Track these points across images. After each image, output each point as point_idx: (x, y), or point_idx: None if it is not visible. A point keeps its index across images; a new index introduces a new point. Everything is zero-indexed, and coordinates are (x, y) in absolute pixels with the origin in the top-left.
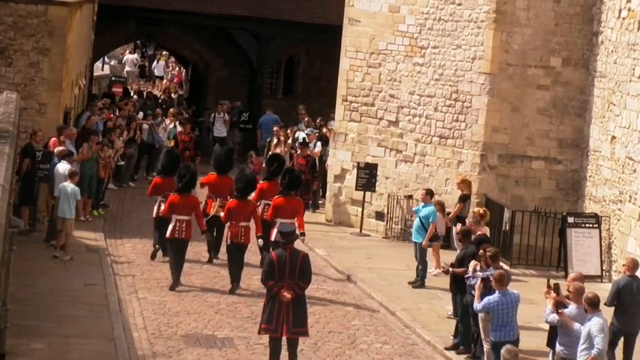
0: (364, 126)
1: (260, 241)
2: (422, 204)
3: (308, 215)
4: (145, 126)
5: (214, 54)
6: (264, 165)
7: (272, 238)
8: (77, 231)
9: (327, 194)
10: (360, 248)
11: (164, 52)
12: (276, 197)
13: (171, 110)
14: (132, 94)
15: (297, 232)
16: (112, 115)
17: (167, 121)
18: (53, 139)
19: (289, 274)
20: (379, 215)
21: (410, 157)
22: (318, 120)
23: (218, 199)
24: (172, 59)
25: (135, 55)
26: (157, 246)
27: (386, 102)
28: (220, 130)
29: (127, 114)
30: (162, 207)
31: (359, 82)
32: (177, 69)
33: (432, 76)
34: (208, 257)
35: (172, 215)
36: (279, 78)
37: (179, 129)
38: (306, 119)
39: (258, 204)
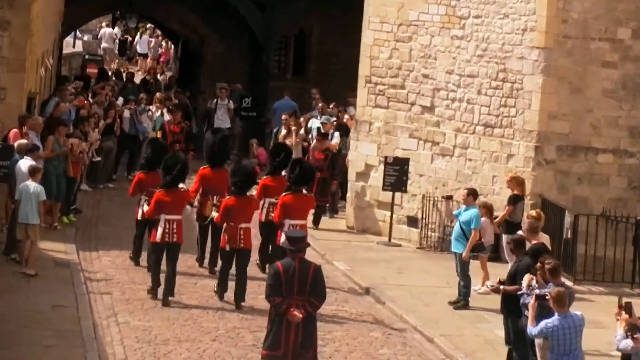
0: (392, 113)
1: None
2: (464, 206)
3: (325, 221)
4: (126, 114)
5: (209, 27)
6: (269, 157)
7: (281, 243)
8: (43, 242)
9: (348, 195)
10: (389, 261)
11: (149, 25)
12: (284, 194)
13: (157, 95)
14: (110, 75)
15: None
16: (85, 102)
17: (153, 108)
18: (14, 131)
19: (298, 289)
20: (412, 221)
21: (449, 150)
22: (332, 107)
23: (215, 197)
24: (158, 33)
25: (114, 29)
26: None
27: (419, 83)
28: (222, 120)
29: (104, 100)
30: (147, 208)
31: (385, 60)
32: (164, 45)
33: (475, 52)
34: (198, 259)
35: (160, 216)
36: (288, 55)
37: (167, 117)
38: (320, 104)
39: (262, 203)
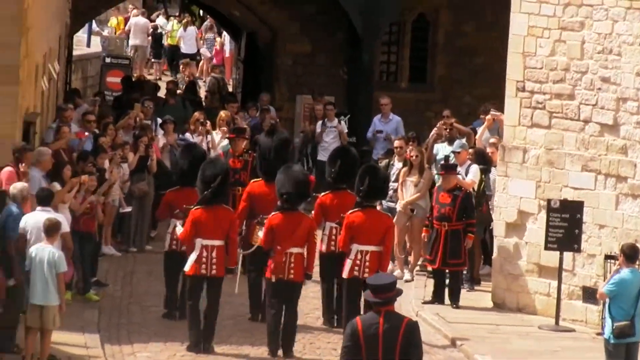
0: (558, 135)
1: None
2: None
3: (464, 296)
4: (161, 140)
5: (286, 15)
6: (327, 167)
7: (344, 274)
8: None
9: (494, 257)
10: (556, 353)
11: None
12: (351, 211)
13: (222, 114)
14: (140, 86)
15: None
16: (87, 133)
17: (215, 134)
18: (7, 170)
19: (384, 354)
20: (589, 294)
21: None
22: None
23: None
24: (210, 23)
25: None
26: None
27: (595, 91)
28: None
29: (132, 123)
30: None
31: (545, 57)
32: (218, 40)
33: None
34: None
35: (196, 240)
36: (401, 54)
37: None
38: (441, 124)
39: (321, 228)
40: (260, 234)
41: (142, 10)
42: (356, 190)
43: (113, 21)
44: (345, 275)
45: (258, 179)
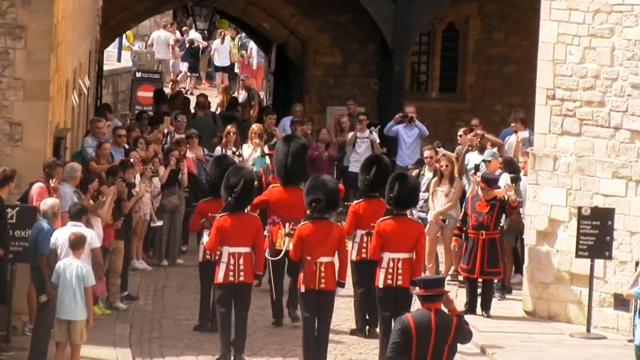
0: (588, 142)
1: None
2: None
3: (495, 305)
4: (190, 155)
5: (316, 26)
6: (360, 175)
7: (379, 284)
8: (82, 345)
9: (526, 265)
10: None
11: (230, 27)
12: (381, 219)
13: (255, 127)
14: (169, 99)
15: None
16: (132, 141)
17: (247, 146)
18: (37, 186)
19: (434, 350)
20: (621, 301)
21: None
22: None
23: (287, 225)
24: (239, 35)
25: (172, 33)
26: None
27: (626, 97)
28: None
29: (161, 137)
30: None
31: (575, 65)
32: (244, 54)
33: None
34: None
35: (223, 248)
36: (432, 63)
37: (267, 161)
38: (472, 135)
39: (352, 236)
40: (289, 243)
41: (163, 24)
42: (386, 198)
43: None
44: (379, 284)
45: (277, 185)
